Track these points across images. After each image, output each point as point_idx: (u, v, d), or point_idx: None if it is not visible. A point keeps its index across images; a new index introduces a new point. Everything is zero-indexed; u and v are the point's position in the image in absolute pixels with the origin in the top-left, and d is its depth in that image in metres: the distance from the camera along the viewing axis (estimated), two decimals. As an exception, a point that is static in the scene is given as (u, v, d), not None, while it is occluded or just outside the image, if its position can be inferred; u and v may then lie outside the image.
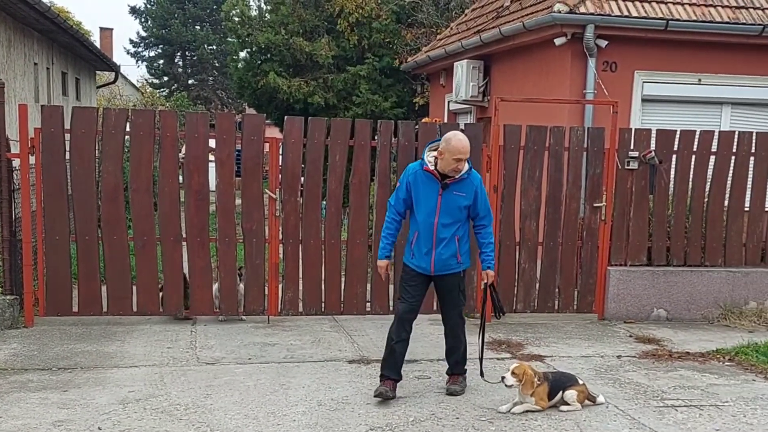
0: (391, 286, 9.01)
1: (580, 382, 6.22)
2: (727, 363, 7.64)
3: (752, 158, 9.60)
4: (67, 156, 8.31)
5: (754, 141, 9.59)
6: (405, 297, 6.35)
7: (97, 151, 8.41)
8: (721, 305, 9.48)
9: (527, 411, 5.98)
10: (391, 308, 9.00)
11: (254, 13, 21.30)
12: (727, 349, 7.97)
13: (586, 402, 6.17)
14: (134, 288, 8.58)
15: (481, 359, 6.52)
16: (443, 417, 5.89)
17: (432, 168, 6.15)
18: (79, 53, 21.00)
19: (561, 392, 6.09)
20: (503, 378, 5.99)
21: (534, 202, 9.20)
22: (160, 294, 8.61)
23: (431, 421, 5.80)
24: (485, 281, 6.48)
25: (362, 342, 8.05)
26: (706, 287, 9.48)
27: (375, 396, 6.15)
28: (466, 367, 6.57)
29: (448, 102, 15.55)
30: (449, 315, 6.47)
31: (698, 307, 9.48)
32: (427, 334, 8.43)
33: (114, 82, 27.14)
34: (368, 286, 9.00)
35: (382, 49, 19.60)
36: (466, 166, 6.15)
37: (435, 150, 6.18)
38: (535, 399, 6.00)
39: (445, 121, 15.08)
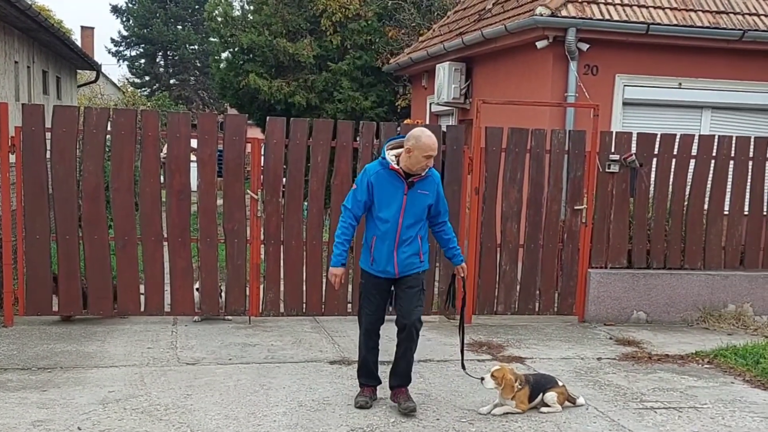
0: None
1: (560, 383, 6.25)
2: (706, 365, 7.70)
3: (731, 162, 9.68)
4: (48, 155, 8.25)
5: (733, 145, 9.67)
6: (369, 308, 6.08)
7: (78, 150, 8.37)
8: (700, 308, 9.55)
9: (507, 413, 6.01)
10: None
11: (237, 13, 21.25)
12: (706, 352, 8.03)
13: (567, 403, 6.21)
14: (115, 288, 8.55)
15: (462, 351, 6.49)
16: (424, 419, 5.90)
17: (396, 167, 5.89)
18: (60, 52, 20.85)
19: (541, 394, 6.12)
20: (482, 379, 6.02)
21: (515, 205, 9.23)
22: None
23: (412, 422, 5.81)
24: (462, 275, 6.34)
25: (343, 343, 8.05)
26: (685, 290, 9.54)
27: (356, 407, 6.05)
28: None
29: (430, 104, 15.57)
30: (410, 316, 5.95)
31: (678, 309, 9.54)
32: (409, 336, 8.44)
33: (95, 81, 26.98)
34: (349, 287, 8.99)
35: (363, 50, 19.62)
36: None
37: (395, 148, 5.97)
38: (516, 402, 6.02)
39: (427, 122, 15.10)
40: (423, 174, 5.90)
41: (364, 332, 6.14)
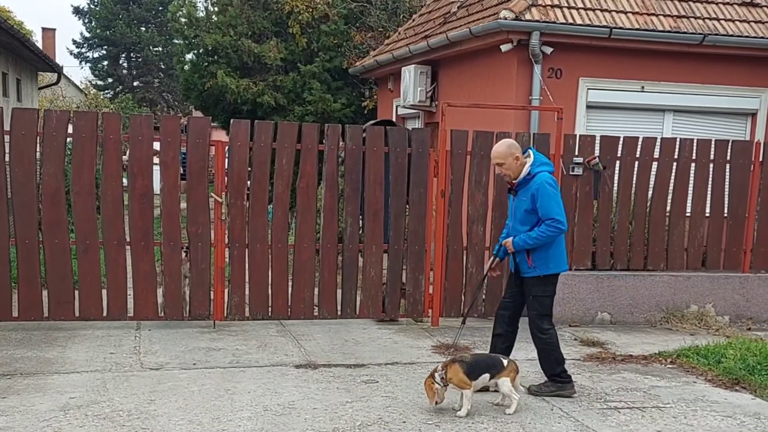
0: (339, 291, 9.00)
1: (505, 362, 6.18)
2: (668, 365, 7.77)
3: (693, 165, 9.78)
4: (7, 158, 8.12)
5: (695, 148, 9.77)
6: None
7: (37, 153, 8.24)
8: (663, 309, 9.65)
9: (469, 412, 6.01)
10: (339, 312, 8.98)
11: (201, 14, 21.10)
12: (669, 352, 8.11)
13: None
14: (76, 293, 8.43)
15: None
16: (390, 421, 5.89)
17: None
18: (20, 53, 20.60)
19: (488, 375, 6.07)
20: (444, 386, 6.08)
21: (481, 207, 9.26)
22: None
23: (378, 425, 5.80)
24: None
25: (309, 347, 8.02)
26: (648, 291, 9.63)
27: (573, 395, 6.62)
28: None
29: (396, 106, 15.59)
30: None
31: (641, 310, 9.63)
32: (375, 338, 8.43)
33: (56, 83, 26.70)
34: (316, 290, 8.96)
35: (330, 51, 19.58)
36: (526, 168, 6.39)
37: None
38: (454, 383, 5.99)
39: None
40: (516, 180, 6.46)
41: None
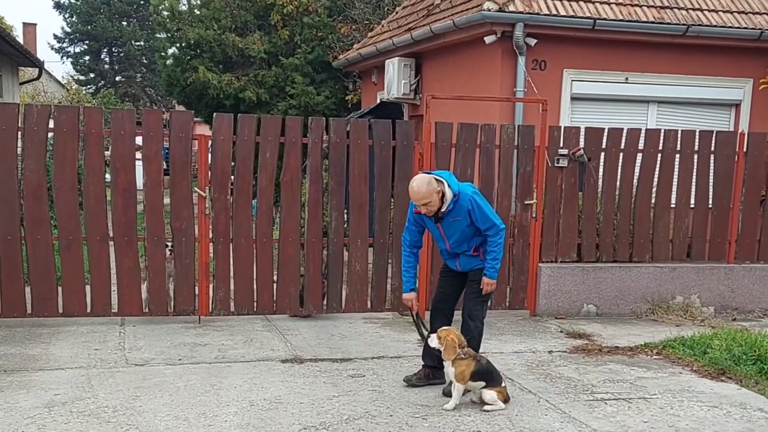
0: (324, 285, 8.96)
1: (503, 384, 6.18)
2: (654, 356, 7.78)
3: (677, 156, 9.79)
4: (-12, 153, 8.05)
5: (679, 139, 9.78)
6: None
7: (19, 149, 8.16)
8: (649, 300, 9.66)
9: (457, 405, 6.01)
10: (324, 307, 8.95)
11: (184, 7, 20.97)
12: (654, 343, 8.12)
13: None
14: (60, 289, 8.36)
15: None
16: (377, 415, 5.87)
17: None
18: (0, 49, 20.40)
19: (483, 384, 6.04)
20: (429, 337, 6.17)
21: (466, 200, 9.22)
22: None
23: (365, 419, 5.77)
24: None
25: (295, 341, 7.98)
26: (634, 282, 9.64)
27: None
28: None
29: (380, 99, 15.54)
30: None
31: (627, 302, 9.64)
32: (362, 333, 8.41)
33: (38, 78, 26.46)
34: (301, 284, 8.92)
35: (313, 43, 19.50)
36: (449, 194, 6.23)
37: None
38: (456, 371, 5.98)
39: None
40: (445, 209, 6.27)
41: None
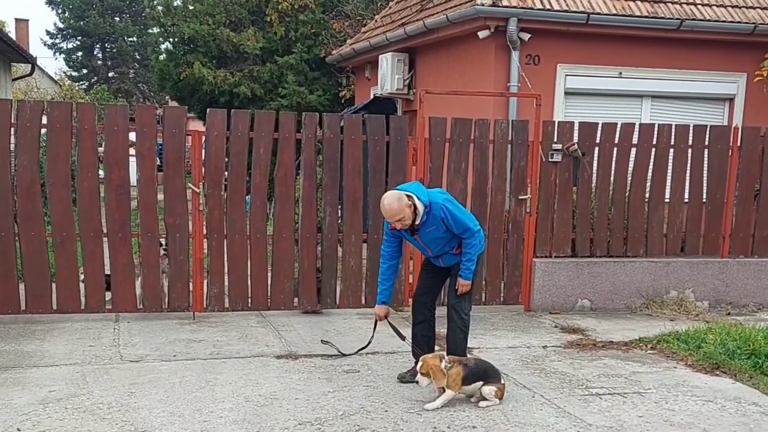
0: (318, 281, 8.95)
1: (502, 381, 6.17)
2: (649, 351, 7.80)
3: (671, 150, 9.80)
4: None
5: (673, 133, 9.78)
6: None
7: (11, 145, 8.13)
8: (643, 295, 9.67)
9: (448, 402, 5.98)
10: (318, 303, 8.95)
11: (179, 3, 20.90)
12: (649, 338, 8.13)
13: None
14: (54, 285, 8.34)
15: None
16: (372, 410, 5.86)
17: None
18: (-8, 44, 20.29)
19: (481, 383, 6.03)
20: (417, 382, 6.02)
21: (459, 195, 9.19)
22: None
23: (360, 414, 5.77)
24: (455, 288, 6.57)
25: (290, 337, 7.97)
26: (628, 277, 9.65)
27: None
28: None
29: (374, 95, 15.51)
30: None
31: (621, 297, 9.65)
32: (356, 328, 8.40)
33: (30, 74, 26.32)
34: (295, 280, 8.91)
35: (309, 40, 19.46)
36: (420, 207, 6.20)
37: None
38: (448, 381, 5.94)
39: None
40: (419, 221, 6.25)
41: None
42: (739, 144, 9.91)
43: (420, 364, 6.02)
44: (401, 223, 6.23)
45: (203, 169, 8.59)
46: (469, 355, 6.71)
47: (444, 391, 5.97)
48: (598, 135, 9.59)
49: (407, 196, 6.20)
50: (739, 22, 11.59)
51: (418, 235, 6.37)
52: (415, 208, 6.20)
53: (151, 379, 6.48)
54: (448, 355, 6.25)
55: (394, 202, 6.17)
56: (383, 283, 6.66)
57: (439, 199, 6.30)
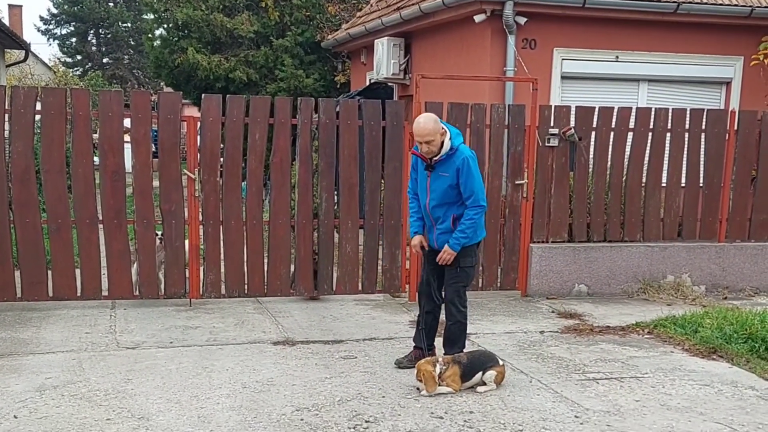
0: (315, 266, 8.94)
1: (501, 362, 6.19)
2: (646, 336, 7.80)
3: (668, 134, 9.77)
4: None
5: (669, 117, 9.75)
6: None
7: (6, 131, 8.09)
8: (640, 279, 9.67)
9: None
10: (315, 289, 8.93)
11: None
12: (646, 323, 8.13)
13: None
14: (49, 273, 8.32)
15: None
16: (369, 396, 5.86)
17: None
18: (-14, 30, 20.20)
19: (481, 373, 6.03)
20: (418, 388, 5.99)
21: (457, 180, 9.19)
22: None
23: (357, 400, 5.77)
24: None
25: (287, 323, 7.97)
26: (625, 262, 9.65)
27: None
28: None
29: (370, 80, 15.46)
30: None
31: (618, 281, 9.65)
32: (353, 314, 8.40)
33: (24, 60, 26.19)
34: (292, 267, 8.90)
35: (303, 25, 19.38)
36: (447, 142, 6.18)
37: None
38: (447, 382, 5.96)
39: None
40: (438, 157, 6.20)
41: None
42: (736, 128, 9.88)
43: (415, 371, 6.02)
44: (428, 147, 6.15)
45: (199, 155, 8.55)
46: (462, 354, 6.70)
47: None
48: (595, 119, 9.56)
49: (443, 127, 6.24)
50: (737, 6, 11.55)
51: (432, 173, 6.31)
52: (443, 143, 6.19)
53: (148, 365, 6.47)
54: (444, 347, 6.30)
55: (430, 121, 6.18)
56: (412, 216, 6.63)
57: (467, 152, 6.27)
